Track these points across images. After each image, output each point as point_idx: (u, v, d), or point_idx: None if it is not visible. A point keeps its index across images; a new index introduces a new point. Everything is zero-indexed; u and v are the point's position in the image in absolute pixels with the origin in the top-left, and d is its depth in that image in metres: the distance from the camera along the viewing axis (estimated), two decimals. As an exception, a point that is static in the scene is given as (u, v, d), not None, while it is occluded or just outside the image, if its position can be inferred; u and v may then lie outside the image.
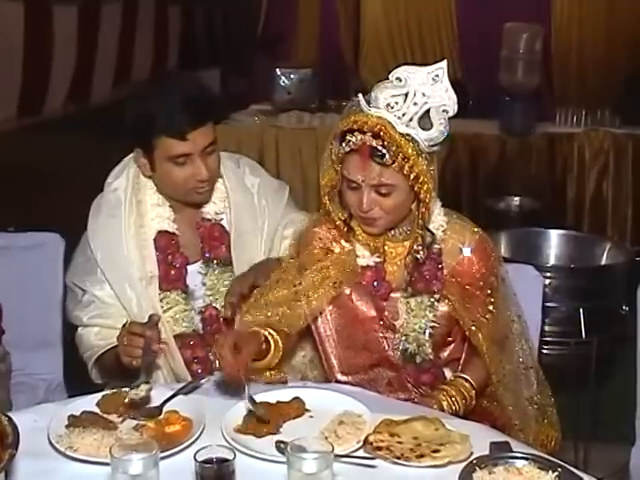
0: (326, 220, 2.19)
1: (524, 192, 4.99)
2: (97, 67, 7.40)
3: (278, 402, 1.91)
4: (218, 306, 2.29)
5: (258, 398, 1.89)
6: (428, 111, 1.95)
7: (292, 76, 5.60)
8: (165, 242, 2.26)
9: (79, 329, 2.27)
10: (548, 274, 3.05)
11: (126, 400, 1.87)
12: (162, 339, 2.03)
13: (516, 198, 4.95)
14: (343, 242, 2.18)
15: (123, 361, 2.01)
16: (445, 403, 2.04)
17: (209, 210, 2.31)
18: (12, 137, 6.33)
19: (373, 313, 2.13)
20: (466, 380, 2.10)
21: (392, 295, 2.15)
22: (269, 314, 2.09)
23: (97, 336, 2.21)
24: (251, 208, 2.36)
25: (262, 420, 1.81)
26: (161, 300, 2.24)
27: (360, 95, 2.01)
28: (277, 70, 5.61)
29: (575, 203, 5.13)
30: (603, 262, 3.40)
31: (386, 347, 2.13)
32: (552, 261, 3.51)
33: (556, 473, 1.57)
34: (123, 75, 7.79)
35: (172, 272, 2.25)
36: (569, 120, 5.29)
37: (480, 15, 6.04)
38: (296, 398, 1.92)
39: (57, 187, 5.88)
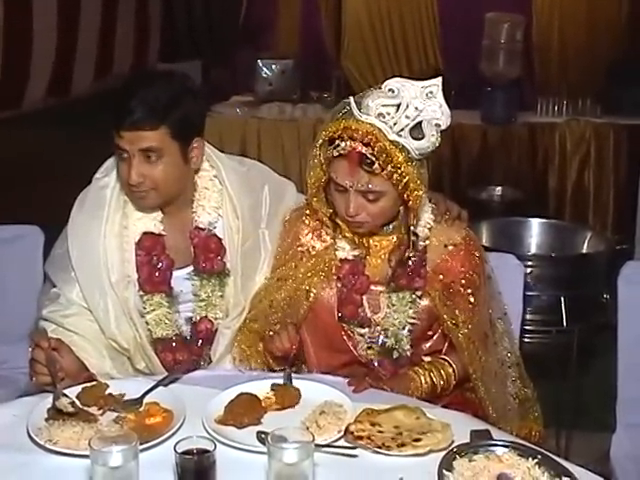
0: (310, 213, 2.20)
1: (506, 182, 5.01)
2: (78, 59, 7.34)
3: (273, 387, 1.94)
4: (211, 318, 2.26)
5: (240, 389, 1.91)
6: (420, 122, 1.94)
7: (273, 67, 5.59)
8: (150, 243, 2.21)
9: (40, 320, 2.22)
10: (529, 263, 3.07)
11: (54, 407, 1.83)
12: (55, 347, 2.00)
13: (498, 188, 4.97)
14: (325, 235, 2.18)
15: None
16: (422, 376, 2.08)
17: (203, 219, 2.24)
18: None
19: (335, 315, 2.14)
20: (448, 363, 2.13)
21: (374, 288, 2.15)
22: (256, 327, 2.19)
23: (51, 334, 2.11)
24: (255, 213, 2.30)
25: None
26: (144, 302, 2.20)
27: (352, 99, 1.99)
28: (258, 61, 5.59)
29: (557, 193, 5.15)
30: (584, 251, 3.43)
31: (352, 348, 2.15)
32: (533, 250, 3.53)
33: (536, 460, 1.58)
34: (104, 67, 7.74)
35: (156, 274, 2.20)
36: (550, 110, 5.31)
37: (461, 5, 6.04)
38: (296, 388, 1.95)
39: (37, 180, 5.85)
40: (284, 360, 2.04)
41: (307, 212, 2.21)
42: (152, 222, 2.22)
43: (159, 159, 2.11)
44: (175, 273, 2.24)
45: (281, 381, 1.97)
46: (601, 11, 5.83)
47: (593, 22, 5.84)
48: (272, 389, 1.93)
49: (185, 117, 2.12)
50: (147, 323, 2.21)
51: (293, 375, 2.03)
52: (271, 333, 2.09)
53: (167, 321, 2.22)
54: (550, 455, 1.62)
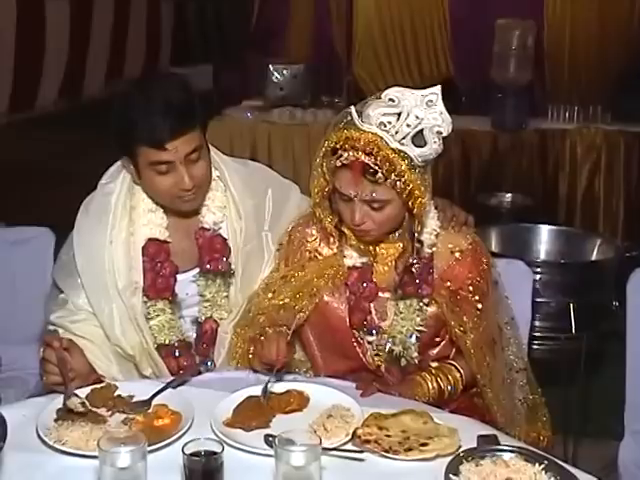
0: (317, 221, 2.19)
1: (516, 188, 5.00)
2: (89, 61, 7.38)
3: (273, 394, 1.93)
4: (217, 318, 2.27)
5: (249, 392, 1.92)
6: (422, 130, 1.93)
7: (284, 72, 5.59)
8: (154, 250, 2.20)
9: (48, 326, 2.22)
10: (538, 269, 3.06)
11: (64, 407, 1.83)
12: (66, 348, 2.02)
13: (508, 194, 4.95)
14: (331, 241, 2.18)
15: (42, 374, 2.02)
16: (429, 381, 2.08)
17: (208, 220, 2.25)
18: (4, 133, 6.30)
19: (347, 321, 2.14)
20: (455, 368, 2.13)
21: (381, 295, 2.15)
22: (261, 320, 2.14)
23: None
24: (259, 215, 2.31)
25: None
26: (148, 308, 2.20)
27: (353, 108, 1.98)
28: (269, 66, 5.60)
29: (567, 199, 5.13)
30: (593, 257, 3.41)
31: (362, 355, 2.15)
32: (542, 256, 3.52)
33: (542, 465, 1.58)
34: (116, 69, 7.77)
35: (159, 280, 2.19)
36: (561, 116, 5.29)
37: (473, 11, 6.04)
38: (300, 392, 1.94)
39: (49, 182, 5.87)
40: (270, 369, 2.00)
41: (314, 220, 2.20)
42: (158, 228, 2.21)
43: (200, 156, 2.13)
44: (181, 276, 2.24)
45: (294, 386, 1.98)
46: (613, 18, 5.82)
47: (605, 29, 5.83)
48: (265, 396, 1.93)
49: (200, 108, 2.14)
50: (151, 329, 2.22)
51: (300, 377, 2.05)
52: (262, 338, 2.06)
53: (170, 327, 2.22)
54: (556, 461, 1.62)
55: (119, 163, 2.26)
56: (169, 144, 2.04)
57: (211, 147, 2.25)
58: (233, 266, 2.25)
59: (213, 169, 2.25)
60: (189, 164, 2.10)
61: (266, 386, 1.92)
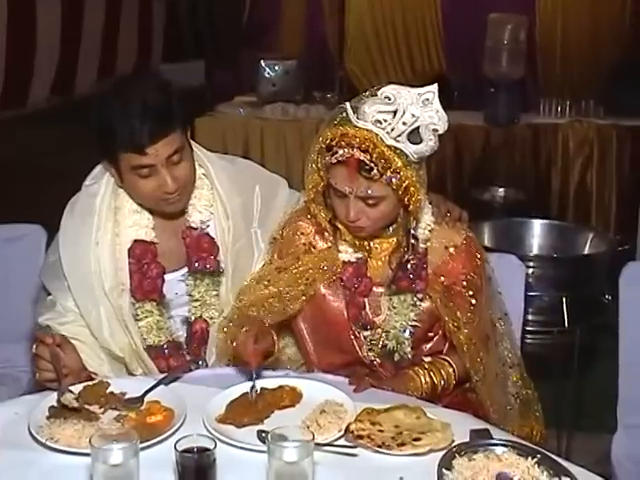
0: (310, 216, 2.19)
1: (508, 182, 5.01)
2: (81, 58, 7.35)
3: (266, 390, 1.92)
4: (207, 318, 2.25)
5: (242, 388, 1.92)
6: (418, 128, 1.93)
7: (277, 67, 5.59)
8: (141, 251, 2.19)
9: (37, 326, 2.21)
10: (531, 263, 3.07)
11: (58, 402, 1.83)
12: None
13: (500, 188, 4.97)
14: (326, 235, 2.18)
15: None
16: (422, 376, 2.08)
17: (194, 219, 2.23)
18: (-5, 130, 6.29)
19: (346, 314, 2.14)
20: (448, 363, 2.13)
21: (375, 290, 2.15)
22: (253, 313, 2.12)
23: None
24: (247, 213, 2.29)
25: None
26: (136, 310, 2.19)
27: (348, 104, 1.98)
28: (262, 62, 5.59)
29: (559, 193, 5.14)
30: (586, 251, 3.42)
31: (358, 349, 2.14)
32: (535, 251, 3.52)
33: (535, 459, 1.58)
34: (108, 67, 7.75)
35: (146, 282, 2.18)
36: (553, 111, 5.30)
37: (465, 6, 6.04)
38: (293, 388, 1.94)
39: (41, 179, 5.86)
40: (248, 371, 1.98)
41: (308, 214, 2.20)
42: (144, 230, 2.20)
43: (181, 158, 2.10)
44: (169, 276, 2.23)
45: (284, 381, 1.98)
46: (605, 12, 5.83)
47: (597, 23, 5.84)
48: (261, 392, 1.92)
49: (179, 107, 2.10)
50: (140, 330, 2.21)
51: (293, 373, 2.06)
52: (233, 344, 2.04)
53: (159, 328, 2.21)
54: (549, 454, 1.62)
55: (102, 164, 2.24)
56: (149, 148, 2.02)
57: (195, 145, 2.24)
58: (222, 265, 2.24)
59: (198, 167, 2.23)
60: (171, 166, 2.07)
61: (252, 388, 1.91)
